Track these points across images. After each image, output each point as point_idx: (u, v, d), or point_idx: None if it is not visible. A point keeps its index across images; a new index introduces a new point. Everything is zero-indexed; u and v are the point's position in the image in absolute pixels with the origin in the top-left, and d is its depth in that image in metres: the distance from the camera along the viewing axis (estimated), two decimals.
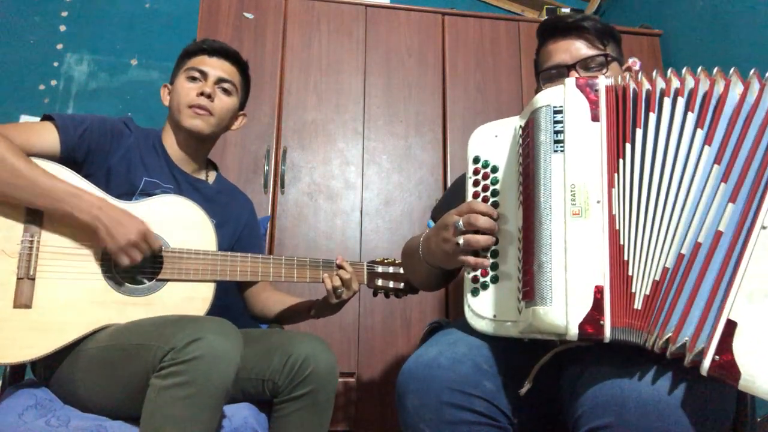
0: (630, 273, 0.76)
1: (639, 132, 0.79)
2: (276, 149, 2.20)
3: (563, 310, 0.75)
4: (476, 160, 0.97)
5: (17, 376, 1.21)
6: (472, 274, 0.92)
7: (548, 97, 0.84)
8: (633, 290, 0.76)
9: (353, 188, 2.24)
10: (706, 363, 0.68)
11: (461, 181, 1.18)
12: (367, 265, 1.39)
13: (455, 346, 0.90)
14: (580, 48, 1.13)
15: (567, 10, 2.76)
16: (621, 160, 0.79)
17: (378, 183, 2.26)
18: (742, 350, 0.66)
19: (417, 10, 2.44)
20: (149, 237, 1.14)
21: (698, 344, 0.69)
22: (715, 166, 0.74)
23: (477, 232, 0.90)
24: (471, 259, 0.91)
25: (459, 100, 2.36)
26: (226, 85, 1.36)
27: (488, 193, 0.94)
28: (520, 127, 0.90)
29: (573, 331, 0.74)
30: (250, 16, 2.29)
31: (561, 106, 0.82)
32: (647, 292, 0.75)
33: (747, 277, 0.68)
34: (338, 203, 2.21)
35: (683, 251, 0.74)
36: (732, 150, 0.74)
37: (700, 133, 0.76)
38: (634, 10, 2.89)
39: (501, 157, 0.95)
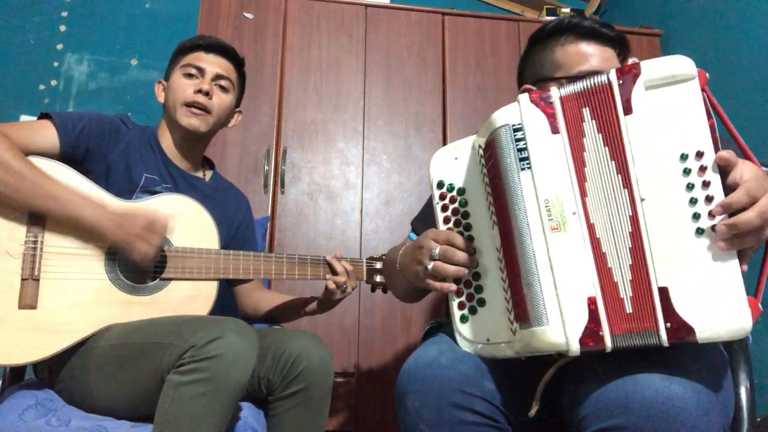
0: (615, 279, 0.77)
1: (584, 140, 0.80)
2: (276, 149, 2.20)
3: (560, 328, 0.75)
4: (440, 184, 0.95)
5: (17, 376, 1.21)
6: (457, 300, 0.91)
7: (505, 116, 0.83)
8: (621, 295, 0.76)
9: (353, 188, 2.24)
10: (663, 334, 0.73)
11: None
12: (366, 262, 1.40)
13: (456, 345, 0.90)
14: (612, 60, 1.07)
15: (567, 10, 2.76)
16: (586, 169, 0.80)
17: (378, 183, 2.26)
18: (683, 309, 0.72)
19: (417, 10, 2.44)
20: (158, 223, 1.15)
21: (659, 320, 0.73)
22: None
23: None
24: (437, 283, 0.91)
25: (459, 100, 2.36)
26: (223, 82, 1.35)
27: (459, 216, 0.93)
28: (480, 146, 0.90)
29: (574, 347, 0.74)
30: (250, 16, 2.29)
31: (520, 124, 0.82)
32: (631, 294, 0.76)
33: (653, 246, 0.75)
34: (338, 203, 2.22)
35: (630, 242, 0.77)
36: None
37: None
38: (634, 10, 2.89)
39: (465, 178, 0.94)
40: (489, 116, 0.86)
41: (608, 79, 0.80)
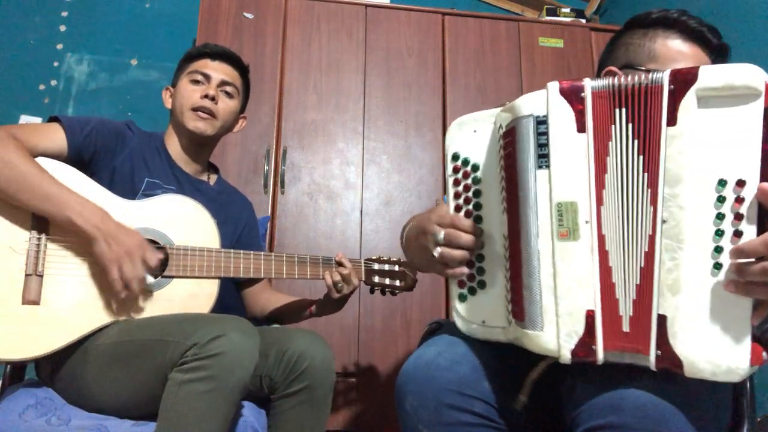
0: (617, 296, 0.74)
1: (610, 144, 0.75)
2: (276, 149, 2.20)
3: (554, 336, 0.74)
4: (455, 157, 0.91)
5: (18, 376, 1.21)
6: (457, 279, 0.90)
7: (531, 104, 0.77)
8: (620, 313, 0.74)
9: (353, 188, 2.24)
10: (652, 359, 0.70)
11: None
12: (365, 263, 1.40)
13: (455, 346, 0.90)
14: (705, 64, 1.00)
15: (567, 10, 2.76)
16: (606, 175, 0.75)
17: (378, 183, 2.26)
18: (678, 341, 0.69)
19: (417, 10, 2.44)
20: (146, 254, 1.12)
21: (651, 346, 0.71)
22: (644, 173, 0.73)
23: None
24: (449, 270, 0.90)
25: (459, 100, 2.36)
26: (228, 88, 1.39)
27: (470, 194, 0.90)
28: (501, 127, 0.83)
29: (566, 357, 0.74)
30: (250, 16, 2.29)
31: (545, 116, 0.76)
32: (631, 313, 0.73)
33: (663, 272, 0.70)
34: (338, 203, 2.22)
35: (642, 262, 0.73)
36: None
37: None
38: (634, 11, 2.87)
39: (481, 155, 0.89)
40: None
41: (661, 80, 0.72)
